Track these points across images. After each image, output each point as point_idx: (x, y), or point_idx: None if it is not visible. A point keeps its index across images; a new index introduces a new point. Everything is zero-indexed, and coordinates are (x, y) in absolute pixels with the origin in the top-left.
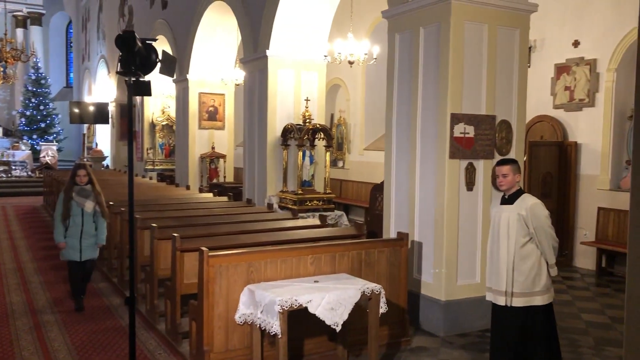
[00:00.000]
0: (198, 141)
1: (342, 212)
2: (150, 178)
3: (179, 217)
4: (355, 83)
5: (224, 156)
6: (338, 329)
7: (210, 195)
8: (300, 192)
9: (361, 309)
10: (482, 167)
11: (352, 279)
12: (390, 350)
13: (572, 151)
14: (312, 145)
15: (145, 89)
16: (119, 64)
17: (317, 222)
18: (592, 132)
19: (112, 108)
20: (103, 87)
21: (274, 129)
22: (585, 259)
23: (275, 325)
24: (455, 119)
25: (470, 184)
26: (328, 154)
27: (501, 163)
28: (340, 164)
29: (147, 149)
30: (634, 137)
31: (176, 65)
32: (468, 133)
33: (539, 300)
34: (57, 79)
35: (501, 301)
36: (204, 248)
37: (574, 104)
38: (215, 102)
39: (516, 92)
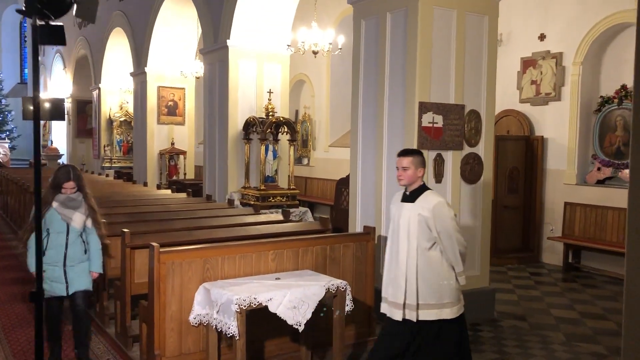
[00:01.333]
0: (157, 137)
1: (306, 208)
2: (107, 175)
3: (132, 213)
4: (320, 79)
5: (184, 152)
6: (301, 329)
7: (169, 192)
8: (263, 188)
9: (325, 308)
10: (451, 159)
11: (316, 276)
12: (356, 351)
13: (538, 145)
14: (276, 140)
15: (57, 36)
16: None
17: (280, 217)
18: (558, 126)
19: (68, 104)
20: (59, 83)
21: (236, 122)
22: (552, 254)
23: (232, 326)
24: (424, 107)
25: (439, 176)
26: (292, 148)
27: (402, 154)
28: (305, 161)
29: (105, 146)
30: (633, 122)
31: (97, 10)
32: (437, 123)
33: (448, 313)
34: (11, 74)
35: (397, 315)
36: (154, 243)
37: (540, 98)
38: (175, 97)
39: (485, 82)
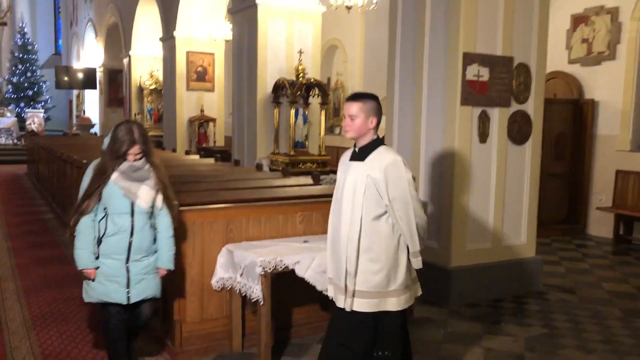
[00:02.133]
0: (186, 104)
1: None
2: None
3: None
4: (353, 43)
5: (213, 120)
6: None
7: (197, 157)
8: (292, 153)
9: None
10: (497, 116)
11: None
12: None
13: (588, 109)
14: (306, 103)
15: None
16: None
17: (309, 181)
18: (611, 88)
19: (99, 73)
20: (91, 52)
21: (265, 85)
22: (599, 226)
23: (256, 290)
24: (469, 59)
25: (483, 136)
26: (323, 112)
27: (350, 98)
28: (337, 130)
29: (135, 115)
30: None
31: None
32: (482, 76)
33: (392, 304)
34: (46, 46)
35: (340, 302)
36: (174, 202)
37: (591, 58)
38: (204, 62)
39: (536, 32)
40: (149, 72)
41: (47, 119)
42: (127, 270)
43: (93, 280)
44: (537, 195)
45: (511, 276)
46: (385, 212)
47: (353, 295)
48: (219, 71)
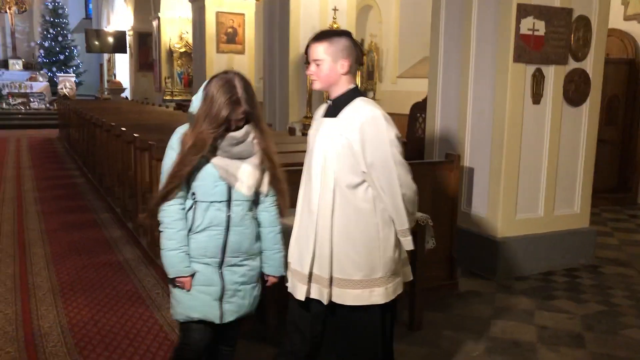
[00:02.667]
0: (216, 67)
1: None
2: (167, 107)
3: None
4: (388, 3)
5: None
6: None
7: None
8: None
9: None
10: (553, 75)
11: None
12: (433, 296)
13: None
14: None
15: None
16: None
17: None
18: None
19: (129, 37)
20: (121, 16)
21: (297, 45)
22: None
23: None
24: (523, 10)
25: (537, 96)
26: (358, 74)
27: (314, 39)
28: (370, 94)
29: (165, 79)
30: None
31: None
32: (537, 30)
33: (378, 296)
34: (76, 9)
35: (300, 293)
36: None
37: None
38: (234, 23)
39: None
40: (179, 35)
41: (78, 84)
42: (221, 278)
43: (189, 291)
44: (593, 161)
45: (563, 248)
46: (364, 182)
47: (330, 284)
48: (250, 32)
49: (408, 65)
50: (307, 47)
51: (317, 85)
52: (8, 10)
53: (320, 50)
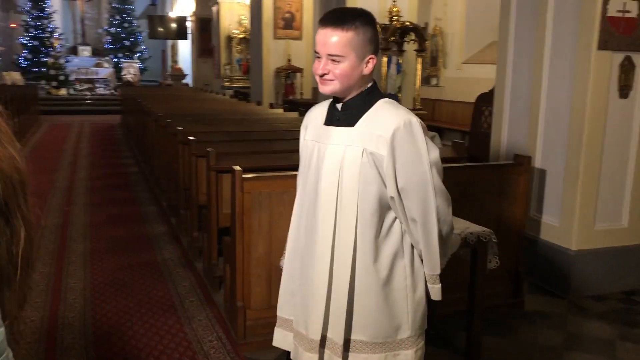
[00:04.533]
0: (273, 53)
1: (434, 132)
2: (224, 95)
3: (232, 132)
4: None
5: (300, 70)
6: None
7: (280, 111)
8: None
9: (457, 260)
10: None
11: None
12: (495, 315)
13: None
14: (400, 50)
15: None
16: None
17: None
18: None
19: (190, 23)
20: (184, 1)
21: None
22: None
23: None
24: None
25: (625, 89)
26: (420, 61)
27: (328, 22)
28: (433, 81)
29: (224, 65)
30: None
31: None
32: (629, 12)
33: (406, 358)
34: None
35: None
36: (237, 167)
37: None
38: (292, 8)
39: None
40: (237, 20)
41: (143, 70)
42: None
43: None
44: None
45: (611, 267)
46: (389, 210)
47: (346, 349)
48: (307, 17)
49: (475, 50)
50: (320, 32)
51: (329, 88)
52: None
53: (343, 42)
